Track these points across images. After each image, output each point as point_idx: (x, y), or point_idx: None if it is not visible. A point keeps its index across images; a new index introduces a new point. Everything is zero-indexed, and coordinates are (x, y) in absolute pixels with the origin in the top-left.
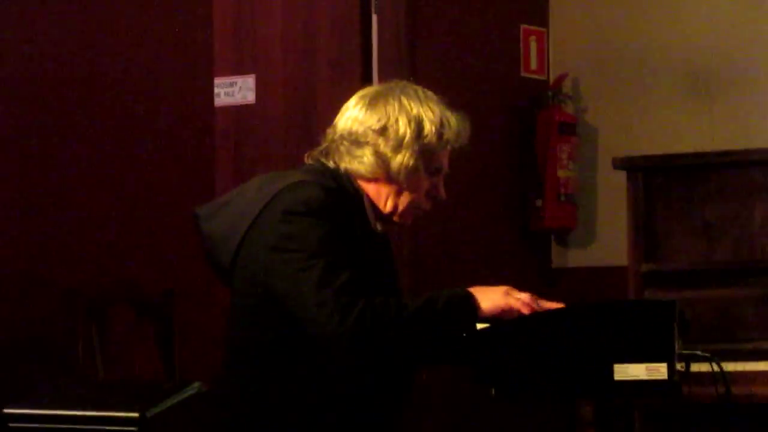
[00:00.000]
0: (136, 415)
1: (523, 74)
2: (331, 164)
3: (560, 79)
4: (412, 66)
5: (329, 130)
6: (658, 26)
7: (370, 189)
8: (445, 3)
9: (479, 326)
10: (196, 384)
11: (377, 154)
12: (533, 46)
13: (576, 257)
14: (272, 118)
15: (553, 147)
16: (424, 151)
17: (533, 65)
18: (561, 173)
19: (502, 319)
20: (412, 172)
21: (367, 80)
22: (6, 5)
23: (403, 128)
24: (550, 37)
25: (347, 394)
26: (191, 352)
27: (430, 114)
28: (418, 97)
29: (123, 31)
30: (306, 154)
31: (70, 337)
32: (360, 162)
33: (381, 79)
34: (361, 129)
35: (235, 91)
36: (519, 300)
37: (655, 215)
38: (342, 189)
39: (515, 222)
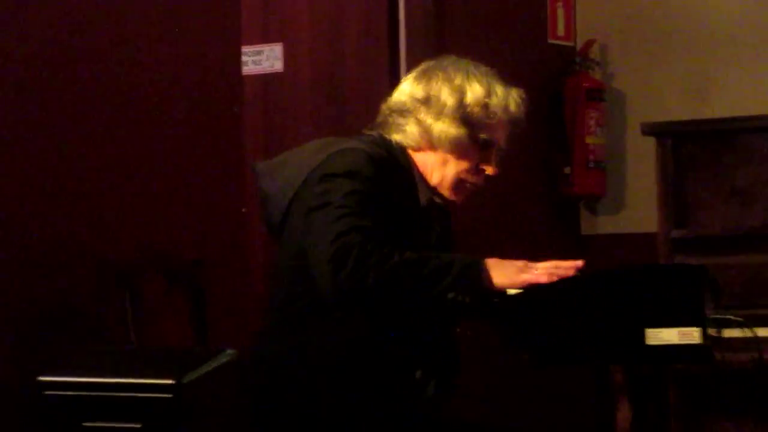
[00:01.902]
0: (171, 381)
1: (551, 41)
2: (386, 136)
3: (588, 45)
4: (439, 34)
5: (383, 105)
6: None
7: (419, 160)
8: None
9: (511, 292)
10: (230, 351)
11: (419, 122)
12: (560, 12)
13: (605, 224)
14: (300, 87)
15: (581, 114)
16: (468, 120)
17: (560, 31)
18: (589, 140)
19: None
20: (454, 142)
21: (394, 49)
22: None
23: (445, 97)
24: (576, 3)
25: (382, 359)
26: (222, 321)
27: (475, 85)
28: (466, 70)
29: (153, 4)
30: (365, 128)
31: (102, 306)
32: (404, 132)
33: (409, 48)
34: (406, 99)
35: (262, 59)
36: (536, 274)
37: (684, 181)
38: (393, 159)
39: (544, 190)
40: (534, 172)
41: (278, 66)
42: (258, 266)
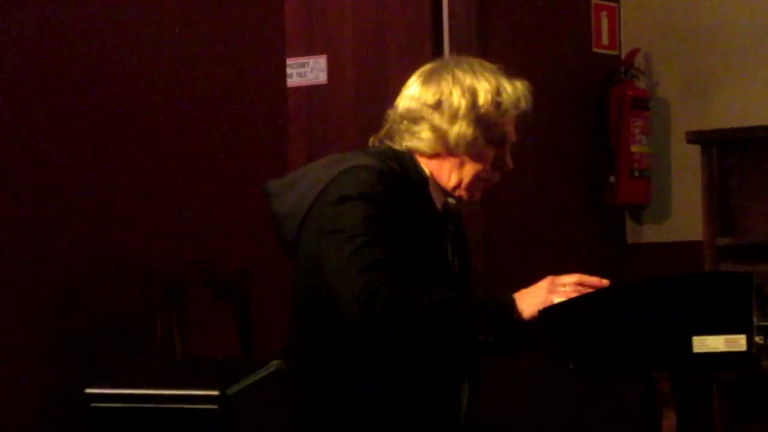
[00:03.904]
0: (216, 392)
1: (595, 50)
2: (396, 146)
3: (632, 54)
4: (483, 44)
5: (390, 112)
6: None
7: (433, 166)
8: None
9: (555, 300)
10: (275, 362)
11: (434, 128)
12: (604, 21)
13: (651, 233)
14: (344, 98)
15: (626, 122)
16: (482, 120)
17: (605, 40)
18: (634, 148)
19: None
20: (471, 143)
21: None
22: None
23: (458, 100)
24: (620, 12)
25: (404, 378)
26: (268, 332)
27: (485, 84)
28: (473, 69)
29: (196, 15)
30: (371, 137)
31: (148, 317)
32: (419, 139)
33: None
34: (417, 106)
35: (307, 71)
36: (565, 292)
37: (729, 189)
38: (405, 173)
39: (589, 199)
40: (579, 182)
41: (323, 78)
42: None
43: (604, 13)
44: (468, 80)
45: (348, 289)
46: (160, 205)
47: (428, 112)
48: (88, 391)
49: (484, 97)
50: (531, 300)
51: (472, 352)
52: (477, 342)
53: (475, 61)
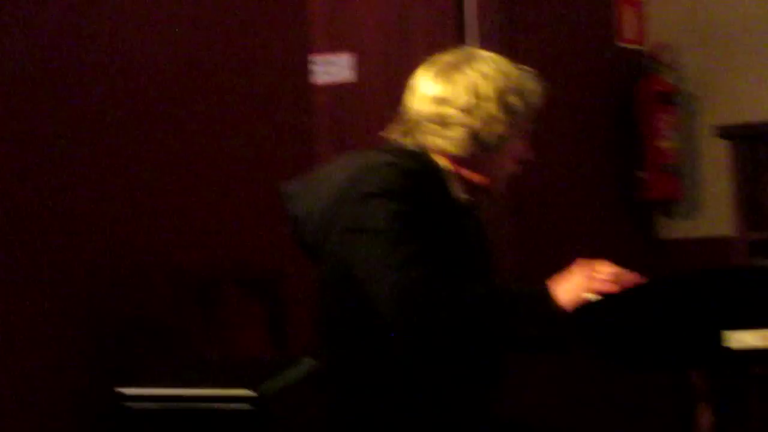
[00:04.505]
0: (251, 392)
1: (620, 44)
2: (413, 144)
3: (658, 48)
4: (509, 40)
5: (403, 109)
6: None
7: (460, 163)
8: None
9: (589, 296)
10: (308, 360)
11: (468, 131)
12: (629, 15)
13: (681, 228)
14: (371, 96)
15: (653, 118)
16: (512, 118)
17: (630, 34)
18: (663, 144)
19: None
20: (502, 140)
21: None
22: None
23: (488, 101)
24: (645, 6)
25: (434, 374)
26: (301, 331)
27: (508, 81)
28: (493, 65)
29: (221, 14)
30: (386, 134)
31: (181, 317)
32: (450, 141)
33: None
34: (445, 109)
35: (332, 69)
36: (603, 282)
37: (759, 184)
38: (424, 169)
39: (619, 194)
40: (608, 177)
41: (349, 75)
42: None
43: (629, 6)
44: (492, 77)
45: (383, 287)
46: (193, 206)
47: (459, 115)
48: (120, 390)
49: (512, 95)
50: (568, 290)
51: (513, 348)
52: (518, 337)
53: (487, 55)
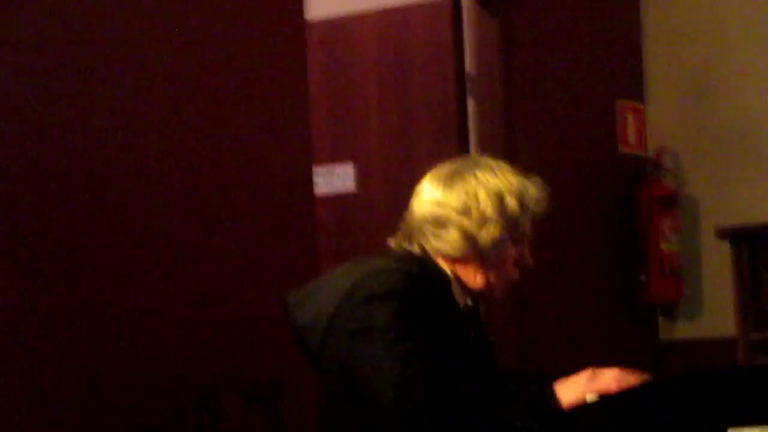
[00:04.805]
0: None
1: (621, 150)
2: (415, 248)
3: (660, 153)
4: (510, 147)
5: (407, 214)
6: (753, 98)
7: (459, 268)
8: (540, 81)
9: (589, 398)
10: None
11: (463, 232)
12: (630, 121)
13: (683, 329)
14: (373, 206)
15: (655, 221)
16: (509, 222)
17: (631, 140)
18: (664, 246)
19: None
20: (499, 246)
21: None
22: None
23: (485, 203)
24: (646, 112)
25: None
26: None
27: (508, 185)
28: (494, 171)
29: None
30: (388, 239)
31: (180, 426)
32: (446, 242)
33: None
34: (442, 210)
35: (334, 179)
36: (605, 382)
37: (761, 283)
38: (426, 274)
39: (621, 297)
40: (609, 281)
41: (351, 186)
42: None
43: (630, 112)
44: (492, 183)
45: (384, 380)
46: (193, 313)
47: (456, 217)
48: None
49: (509, 200)
50: (569, 390)
51: None
52: (515, 430)
53: (492, 162)
